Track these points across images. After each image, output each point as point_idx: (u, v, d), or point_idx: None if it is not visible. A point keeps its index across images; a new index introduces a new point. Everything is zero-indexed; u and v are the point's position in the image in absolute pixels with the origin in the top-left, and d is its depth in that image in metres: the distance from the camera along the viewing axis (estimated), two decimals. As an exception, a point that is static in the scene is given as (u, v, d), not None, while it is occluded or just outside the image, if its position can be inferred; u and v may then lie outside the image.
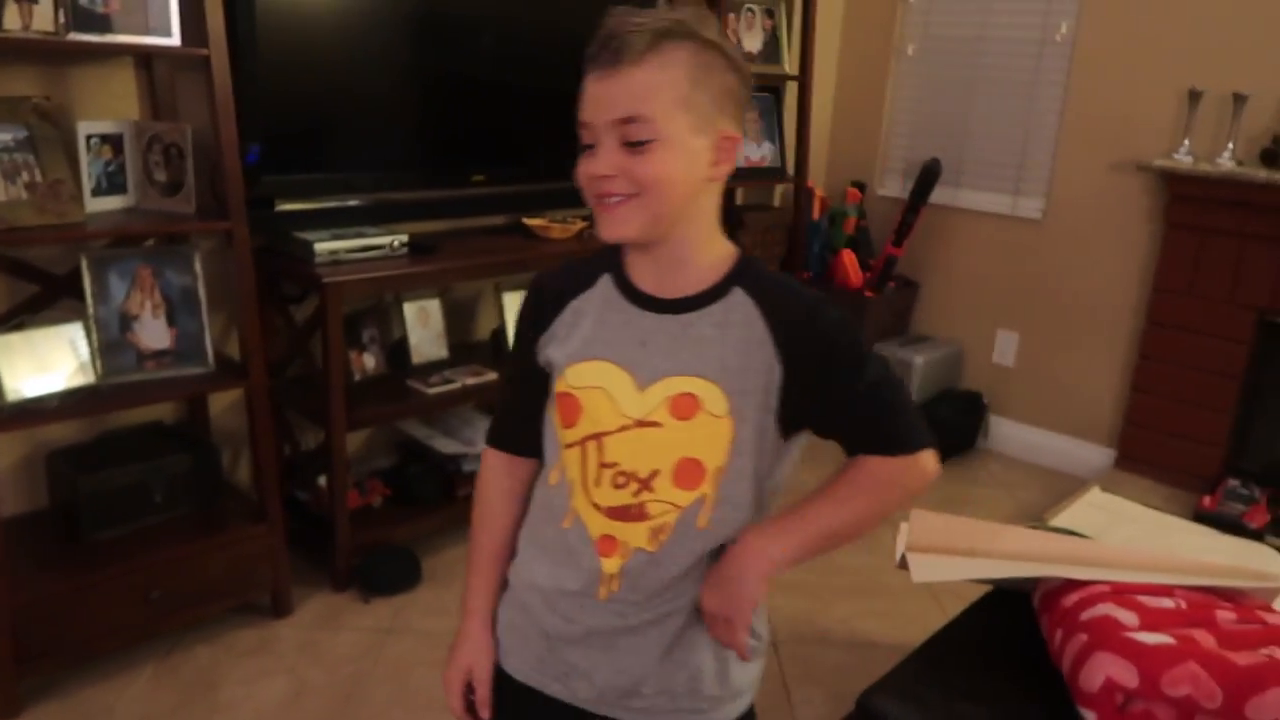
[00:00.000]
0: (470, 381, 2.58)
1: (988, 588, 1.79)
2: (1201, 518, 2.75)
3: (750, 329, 0.97)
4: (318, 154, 2.41)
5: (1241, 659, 1.31)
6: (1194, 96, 2.95)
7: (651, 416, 0.98)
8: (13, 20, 1.81)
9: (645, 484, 0.98)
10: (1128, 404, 3.25)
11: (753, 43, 3.36)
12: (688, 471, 0.98)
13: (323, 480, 2.42)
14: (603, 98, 0.93)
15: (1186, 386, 3.09)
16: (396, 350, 2.65)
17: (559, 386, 1.02)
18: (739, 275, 1.00)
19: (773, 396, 0.98)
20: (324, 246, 2.27)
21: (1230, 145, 2.89)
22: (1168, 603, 1.46)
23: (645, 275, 1.01)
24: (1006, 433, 3.60)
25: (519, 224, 2.84)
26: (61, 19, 1.85)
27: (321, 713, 1.98)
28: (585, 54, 0.94)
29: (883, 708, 1.44)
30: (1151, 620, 1.40)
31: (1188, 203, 3.01)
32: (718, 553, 1.01)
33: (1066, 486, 3.21)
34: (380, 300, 2.66)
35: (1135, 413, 3.23)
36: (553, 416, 1.04)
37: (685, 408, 0.97)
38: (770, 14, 3.43)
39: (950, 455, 3.50)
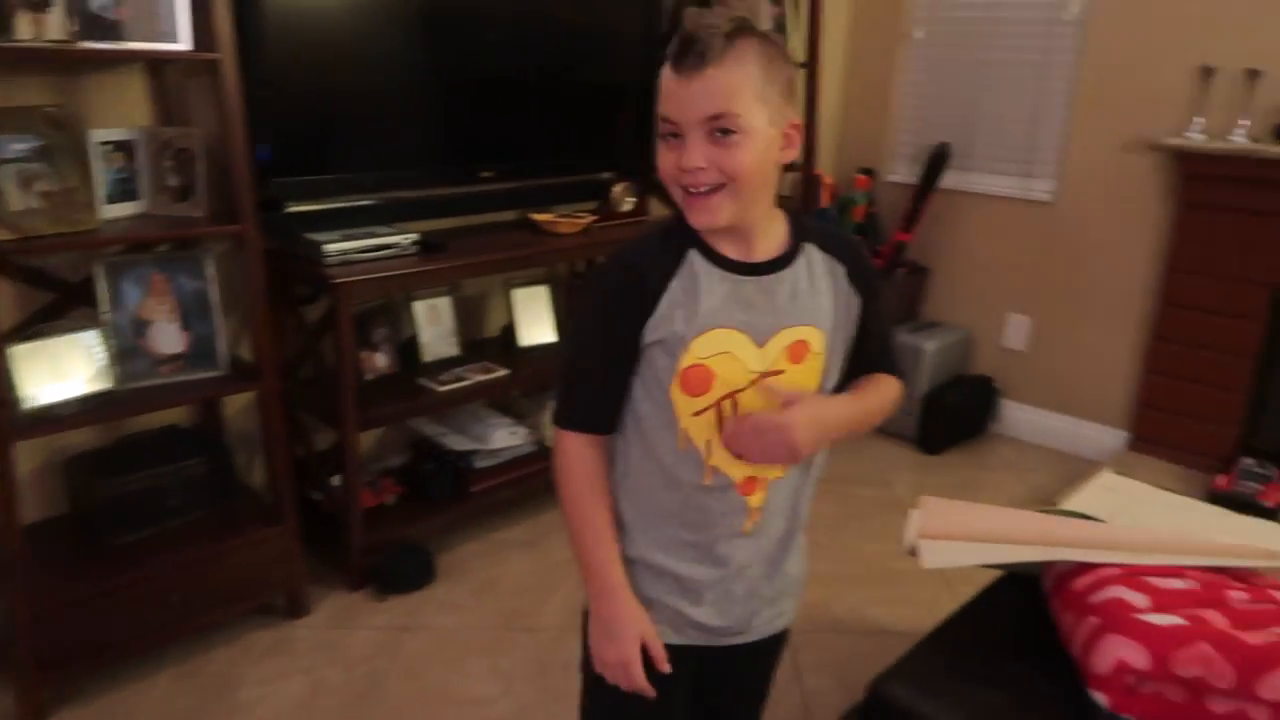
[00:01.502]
0: (481, 379, 2.59)
1: (999, 573, 1.78)
2: (1216, 498, 2.73)
3: (832, 276, 1.14)
4: (327, 155, 2.42)
5: (1253, 638, 1.30)
6: (1206, 73, 2.93)
7: (775, 366, 1.11)
8: (25, 30, 1.82)
9: None
10: (1141, 385, 3.24)
11: (757, 31, 3.34)
12: None
13: (336, 480, 2.44)
14: (690, 97, 1.01)
15: (1200, 366, 3.07)
16: (407, 349, 2.67)
17: (685, 361, 1.09)
18: (801, 233, 1.14)
19: (853, 326, 1.18)
20: (334, 247, 2.29)
21: (1243, 122, 2.87)
22: (1179, 584, 1.46)
23: (729, 246, 1.11)
24: (1018, 416, 3.58)
25: (527, 220, 2.85)
26: (73, 27, 1.87)
27: (338, 711, 2.01)
28: (666, 52, 1.03)
29: (894, 694, 1.45)
30: (1162, 601, 1.40)
31: (1200, 181, 2.99)
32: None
33: (1079, 469, 3.20)
34: (391, 299, 2.68)
35: (1149, 394, 3.21)
36: (670, 390, 1.10)
37: (798, 353, 1.12)
38: (777, 0, 3.41)
39: (961, 440, 3.49)
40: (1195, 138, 2.94)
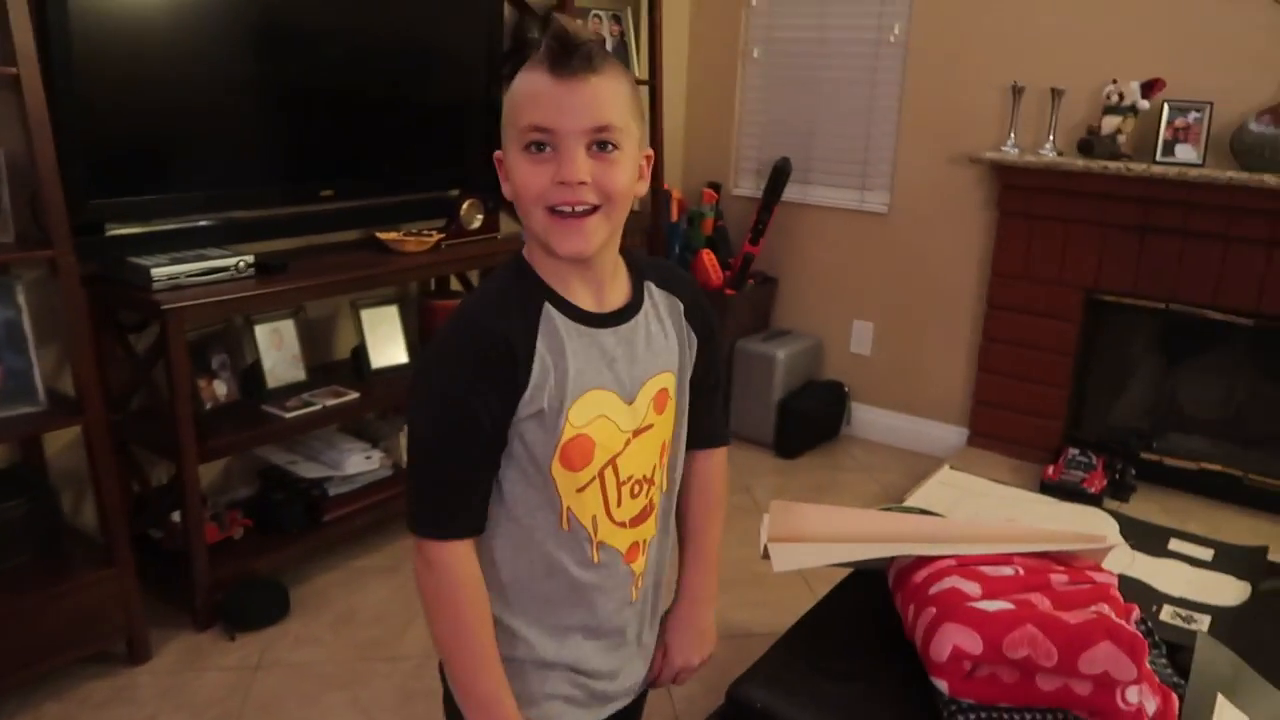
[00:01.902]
0: (331, 403, 2.51)
1: (848, 571, 1.86)
2: (1046, 487, 2.93)
3: (674, 316, 1.08)
4: (153, 174, 2.29)
5: (1073, 618, 1.40)
6: (1017, 92, 3.14)
7: (645, 422, 1.05)
8: None
9: (649, 481, 1.07)
10: (975, 384, 3.44)
11: (603, 49, 3.38)
12: (663, 452, 1.09)
13: (176, 516, 2.31)
14: (575, 104, 0.90)
15: (1027, 364, 3.29)
16: (250, 375, 2.55)
17: (566, 433, 0.97)
18: (641, 271, 1.08)
19: (692, 362, 1.11)
20: (162, 271, 2.17)
21: (1051, 137, 3.10)
22: (1007, 570, 1.55)
23: (582, 294, 1.01)
24: (867, 419, 3.74)
25: (372, 238, 2.78)
26: None
27: (186, 759, 1.90)
28: (538, 56, 0.91)
29: (751, 696, 1.48)
30: (993, 589, 1.49)
31: (1017, 191, 3.20)
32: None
33: (925, 466, 3.36)
34: (230, 324, 2.56)
35: (982, 392, 3.42)
36: (551, 468, 0.98)
37: (661, 402, 1.07)
38: (618, 19, 3.47)
39: (816, 444, 3.62)
40: (1010, 151, 3.16)
